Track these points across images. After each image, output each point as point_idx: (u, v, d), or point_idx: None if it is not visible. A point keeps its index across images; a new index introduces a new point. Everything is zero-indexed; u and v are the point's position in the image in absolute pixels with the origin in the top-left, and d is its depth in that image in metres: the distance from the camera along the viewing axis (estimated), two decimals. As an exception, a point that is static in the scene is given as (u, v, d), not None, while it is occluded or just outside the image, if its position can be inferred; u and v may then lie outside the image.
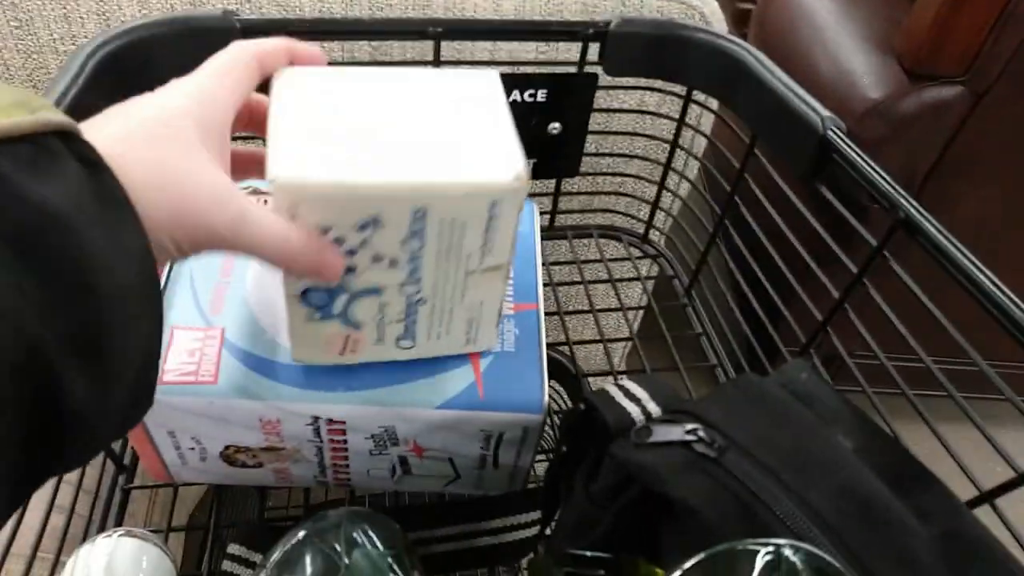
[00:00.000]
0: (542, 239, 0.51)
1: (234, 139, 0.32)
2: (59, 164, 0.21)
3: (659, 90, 0.61)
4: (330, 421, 0.41)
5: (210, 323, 0.42)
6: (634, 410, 0.34)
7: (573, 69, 0.56)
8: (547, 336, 0.45)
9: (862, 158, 0.41)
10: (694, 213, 0.66)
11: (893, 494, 0.28)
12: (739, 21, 1.38)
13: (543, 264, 0.51)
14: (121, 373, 0.23)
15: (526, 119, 0.57)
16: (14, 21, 0.60)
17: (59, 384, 0.21)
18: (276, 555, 0.36)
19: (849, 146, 0.42)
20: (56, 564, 0.45)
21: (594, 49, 0.56)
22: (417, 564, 0.39)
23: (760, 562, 0.24)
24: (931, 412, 0.38)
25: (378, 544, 0.37)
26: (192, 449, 0.44)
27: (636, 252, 0.71)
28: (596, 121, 0.60)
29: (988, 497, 0.34)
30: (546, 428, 0.44)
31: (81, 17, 0.61)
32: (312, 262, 0.31)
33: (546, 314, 0.46)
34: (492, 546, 0.48)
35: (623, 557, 0.32)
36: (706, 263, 0.63)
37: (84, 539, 0.41)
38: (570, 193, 0.71)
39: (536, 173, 0.61)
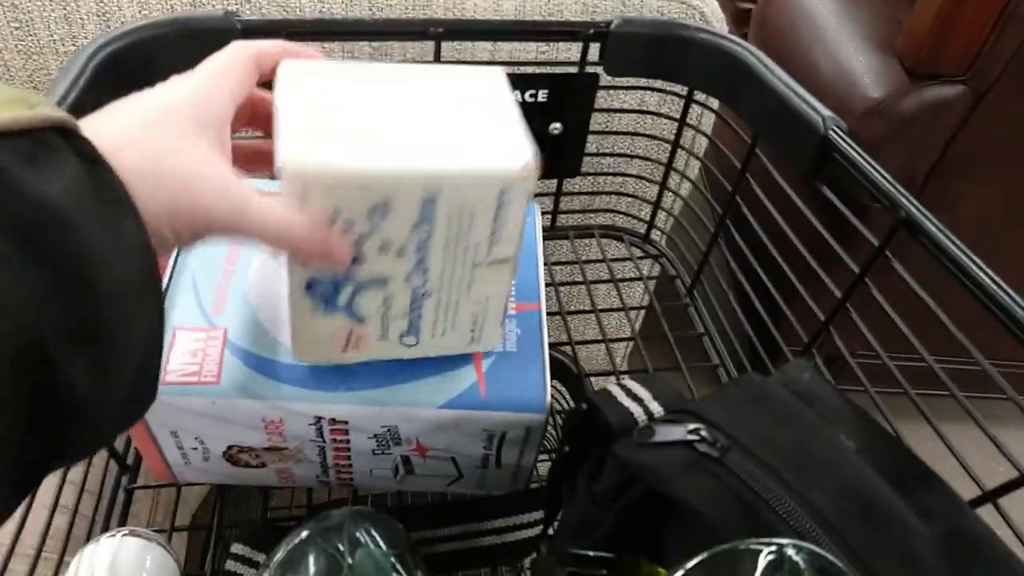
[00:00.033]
0: (544, 239, 0.51)
1: (238, 137, 0.32)
2: (58, 159, 0.22)
3: (660, 90, 0.61)
4: (333, 421, 0.41)
5: (212, 323, 0.42)
6: (636, 410, 0.34)
7: (573, 69, 0.56)
8: (549, 336, 0.45)
9: (863, 158, 0.41)
10: (695, 213, 0.66)
11: (895, 494, 0.28)
12: (739, 21, 1.38)
13: (545, 264, 0.51)
14: (121, 367, 0.24)
15: (527, 119, 0.57)
16: (14, 22, 0.60)
17: (59, 377, 0.21)
18: (280, 555, 0.37)
19: (850, 146, 0.42)
20: (60, 564, 0.45)
21: (595, 49, 0.56)
22: (420, 564, 0.39)
23: (762, 562, 0.24)
24: (933, 412, 0.38)
25: (381, 544, 0.37)
26: (195, 449, 0.44)
27: (638, 252, 0.71)
28: (597, 121, 0.60)
29: (991, 497, 0.34)
30: (548, 428, 0.44)
31: (81, 18, 0.61)
32: (319, 247, 0.31)
33: (548, 314, 0.46)
34: (495, 546, 0.48)
35: (625, 557, 0.32)
36: (708, 263, 0.63)
37: (88, 539, 0.41)
38: (571, 193, 0.71)
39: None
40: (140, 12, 0.61)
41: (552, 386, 0.43)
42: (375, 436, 0.43)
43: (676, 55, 0.55)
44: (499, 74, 0.37)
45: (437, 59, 0.54)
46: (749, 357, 0.57)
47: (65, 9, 0.60)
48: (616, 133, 0.68)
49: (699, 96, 0.61)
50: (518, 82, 0.55)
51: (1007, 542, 0.28)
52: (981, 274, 0.34)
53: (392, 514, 0.40)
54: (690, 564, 0.25)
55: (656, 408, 0.34)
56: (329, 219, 0.31)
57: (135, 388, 0.25)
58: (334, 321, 0.36)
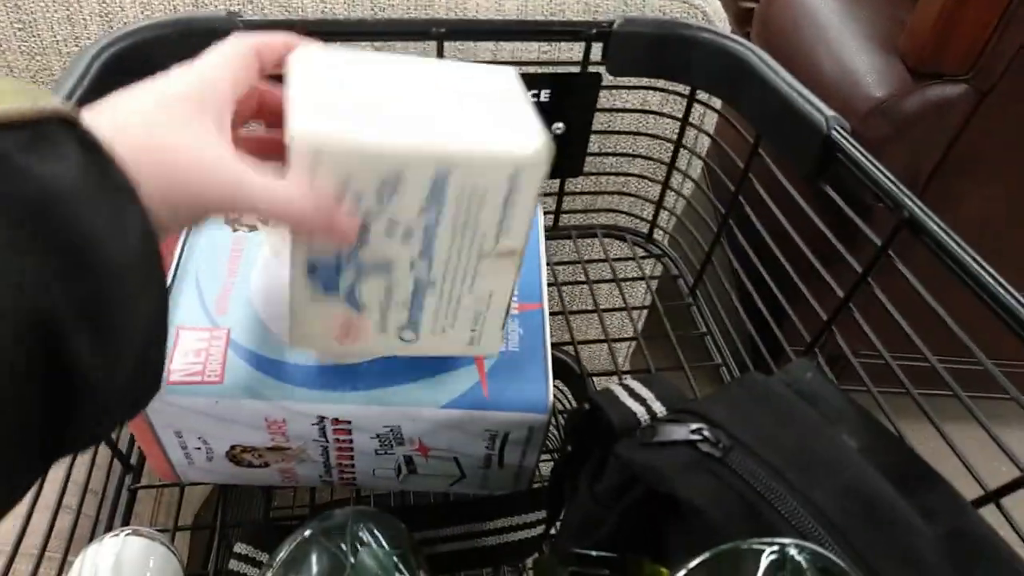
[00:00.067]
0: (546, 239, 0.51)
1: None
2: (60, 147, 0.22)
3: (662, 90, 0.61)
4: (336, 421, 0.41)
5: (216, 323, 0.42)
6: (639, 409, 0.34)
7: (575, 69, 0.56)
8: (551, 336, 0.45)
9: (866, 157, 0.41)
10: (698, 213, 0.66)
11: (898, 493, 0.28)
12: (742, 20, 1.38)
13: (547, 264, 0.51)
14: (124, 349, 0.24)
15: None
16: (17, 23, 0.60)
17: (66, 357, 0.22)
18: (282, 554, 0.37)
19: (853, 145, 0.42)
20: (63, 564, 0.45)
21: (597, 49, 0.56)
22: (423, 563, 0.39)
23: (765, 561, 0.24)
24: (935, 411, 0.38)
25: (384, 543, 0.37)
26: (198, 449, 0.44)
27: (640, 252, 0.71)
28: (599, 121, 0.60)
29: (993, 496, 0.34)
30: (551, 428, 0.44)
31: (84, 19, 0.61)
32: (324, 221, 0.31)
33: (550, 314, 0.46)
34: (497, 546, 0.48)
35: (628, 557, 0.32)
36: (710, 262, 0.63)
37: (91, 539, 0.41)
38: (574, 193, 0.71)
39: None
40: (143, 12, 0.61)
41: (554, 386, 0.43)
42: (378, 436, 0.43)
43: (679, 55, 0.55)
44: (511, 71, 0.37)
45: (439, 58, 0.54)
46: (751, 357, 0.57)
47: (68, 10, 0.60)
48: (618, 133, 0.68)
49: (701, 96, 0.61)
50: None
51: (1010, 542, 0.28)
52: (984, 274, 0.34)
53: (395, 514, 0.40)
54: (692, 564, 0.25)
55: (658, 408, 0.34)
56: (337, 194, 0.31)
57: (139, 373, 0.26)
58: (333, 308, 0.36)
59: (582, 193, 0.72)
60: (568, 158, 0.62)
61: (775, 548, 0.24)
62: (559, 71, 0.57)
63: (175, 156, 0.27)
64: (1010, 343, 0.33)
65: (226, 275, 0.44)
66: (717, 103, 0.60)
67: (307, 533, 0.37)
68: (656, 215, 0.70)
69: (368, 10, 0.63)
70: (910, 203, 0.38)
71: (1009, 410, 0.41)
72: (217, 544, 0.51)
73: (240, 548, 0.44)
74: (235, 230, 0.47)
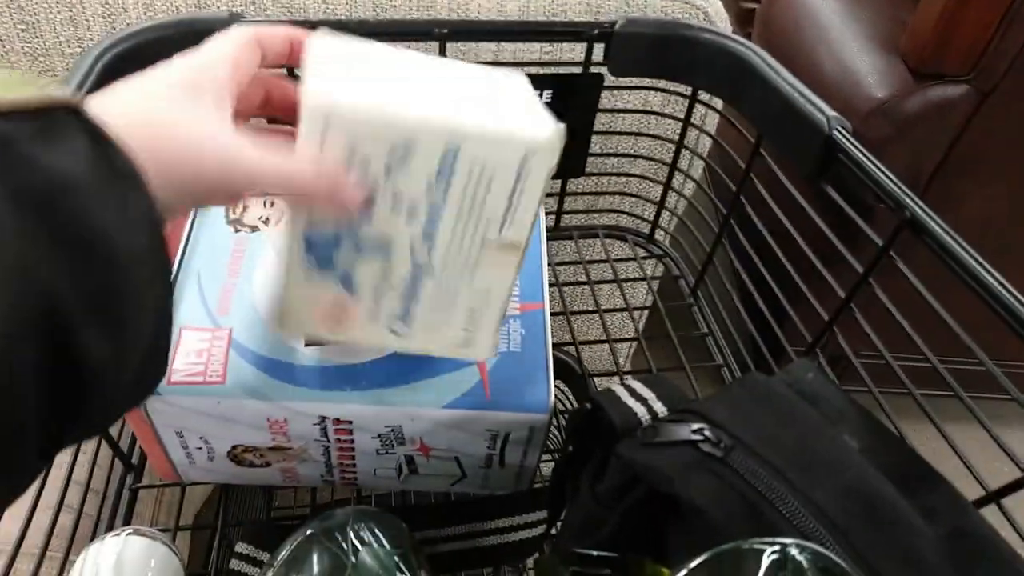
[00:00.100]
0: (548, 239, 0.51)
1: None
2: (67, 137, 0.22)
3: (664, 90, 0.61)
4: (337, 421, 0.42)
5: (218, 324, 0.42)
6: (640, 410, 0.34)
7: (577, 70, 0.57)
8: (553, 336, 0.45)
9: (868, 158, 0.41)
10: (699, 213, 0.66)
11: (899, 493, 0.28)
12: (743, 21, 1.38)
13: (548, 264, 0.52)
14: (133, 338, 0.24)
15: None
16: (20, 24, 0.60)
17: (75, 345, 0.22)
18: (284, 553, 0.37)
19: (855, 146, 0.42)
20: (65, 563, 0.46)
21: (599, 49, 0.56)
22: (424, 563, 0.39)
23: (766, 561, 0.24)
24: (936, 412, 0.38)
25: (385, 543, 0.37)
26: (200, 449, 0.44)
27: (642, 252, 0.71)
28: (601, 121, 0.60)
29: (994, 497, 0.34)
30: (552, 428, 0.44)
31: (87, 20, 0.61)
32: (328, 187, 0.31)
33: (552, 314, 0.46)
34: (498, 545, 0.48)
35: (629, 557, 0.32)
36: (712, 263, 0.63)
37: (93, 538, 0.41)
38: (575, 193, 0.71)
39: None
40: (145, 14, 0.61)
41: (555, 386, 0.43)
42: (379, 436, 0.43)
43: (680, 55, 0.55)
44: (521, 75, 0.37)
45: (441, 59, 0.54)
46: (753, 357, 0.57)
47: (71, 11, 0.60)
48: (620, 133, 0.68)
49: (703, 96, 0.61)
50: (522, 82, 0.55)
51: (1011, 542, 0.28)
52: (986, 274, 0.34)
53: (396, 513, 0.41)
54: (693, 563, 0.25)
55: (660, 408, 0.34)
56: (345, 162, 0.31)
57: (146, 362, 0.26)
58: (324, 289, 0.35)
59: (583, 193, 0.72)
60: (570, 158, 0.62)
61: (776, 548, 0.24)
62: (561, 71, 0.57)
63: (173, 131, 0.27)
64: (1012, 343, 0.33)
65: (228, 276, 0.44)
66: (718, 103, 0.60)
67: (308, 532, 0.37)
68: (657, 215, 0.70)
69: (370, 10, 0.63)
70: (912, 203, 0.38)
71: (1010, 410, 0.40)
72: (218, 544, 0.51)
73: (241, 547, 0.44)
74: (237, 231, 0.47)
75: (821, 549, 0.24)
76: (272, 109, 0.36)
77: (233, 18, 0.49)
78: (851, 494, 0.28)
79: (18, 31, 0.60)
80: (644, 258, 0.72)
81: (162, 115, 0.28)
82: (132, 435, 0.52)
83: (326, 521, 0.38)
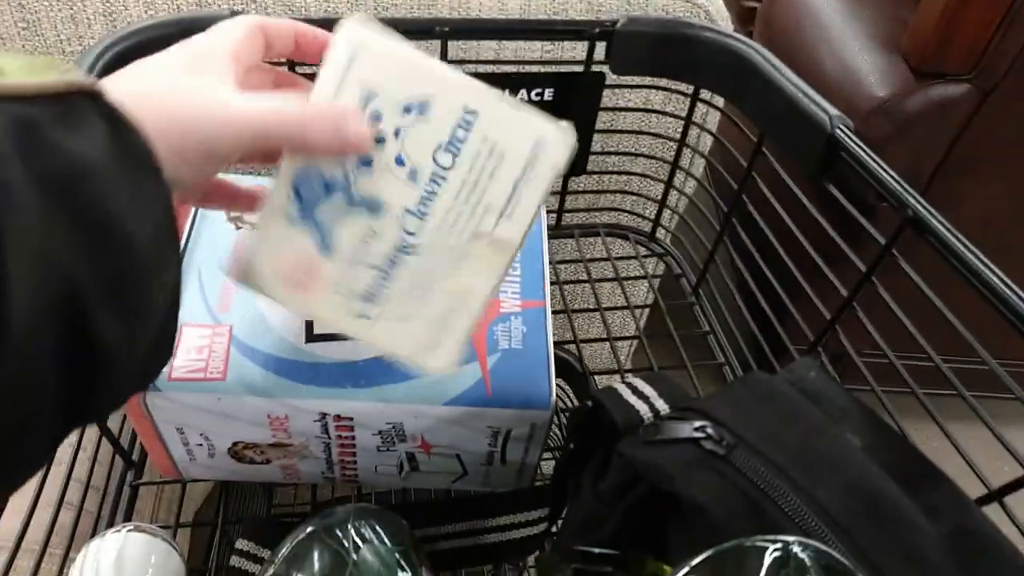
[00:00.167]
0: (549, 237, 0.51)
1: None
2: (87, 121, 0.23)
3: (665, 88, 0.61)
4: (338, 417, 0.41)
5: (218, 320, 0.42)
6: (642, 407, 0.34)
7: (578, 68, 0.56)
8: (553, 334, 0.45)
9: (870, 156, 0.41)
10: (701, 211, 0.66)
11: (902, 492, 0.28)
12: (744, 19, 1.37)
13: (550, 262, 0.51)
14: (146, 322, 0.25)
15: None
16: (21, 22, 0.60)
17: (92, 329, 0.22)
18: (284, 550, 0.37)
19: (857, 144, 0.42)
20: (65, 560, 0.46)
21: (600, 48, 0.56)
22: (424, 560, 0.39)
23: (768, 559, 0.24)
24: (938, 411, 0.38)
25: (386, 540, 0.37)
26: (200, 445, 0.44)
27: (643, 250, 0.71)
28: (602, 120, 0.60)
29: (997, 495, 0.34)
30: (552, 426, 0.44)
31: (88, 18, 0.61)
32: (333, 122, 0.30)
33: (553, 312, 0.46)
34: (499, 543, 0.48)
35: (631, 554, 0.32)
36: (713, 261, 0.63)
37: (93, 535, 0.41)
38: (577, 192, 0.71)
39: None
40: (146, 12, 0.61)
41: (556, 384, 0.43)
42: (380, 433, 0.43)
43: (682, 54, 0.55)
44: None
45: (444, 58, 0.54)
46: (754, 356, 0.57)
47: (72, 9, 0.60)
48: (621, 132, 0.68)
49: (704, 94, 0.61)
50: (524, 81, 0.55)
51: (1013, 541, 0.28)
52: (988, 273, 0.34)
53: (396, 511, 0.40)
54: (695, 561, 0.25)
55: (662, 406, 0.34)
56: (361, 104, 0.30)
57: (154, 347, 0.26)
58: (299, 243, 0.32)
59: (585, 192, 0.72)
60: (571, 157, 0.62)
61: (779, 546, 0.24)
62: (562, 70, 0.57)
63: (175, 99, 0.27)
64: (1014, 342, 0.33)
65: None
66: (720, 102, 0.60)
67: (309, 529, 0.37)
68: (659, 214, 0.70)
69: (371, 9, 0.63)
70: (914, 202, 0.38)
71: (1011, 409, 0.40)
72: (219, 540, 0.51)
73: (242, 544, 0.44)
74: (238, 227, 0.47)
75: (823, 547, 0.24)
76: None
77: (234, 16, 0.49)
78: (853, 492, 0.28)
79: (19, 29, 0.60)
80: (645, 256, 0.72)
81: (164, 87, 0.28)
82: (132, 432, 0.52)
83: (327, 518, 0.38)
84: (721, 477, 0.29)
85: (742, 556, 0.24)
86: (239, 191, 0.37)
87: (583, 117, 0.59)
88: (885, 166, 0.41)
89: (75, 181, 0.22)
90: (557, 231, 0.70)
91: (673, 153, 0.65)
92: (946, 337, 0.37)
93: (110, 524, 0.48)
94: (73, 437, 0.49)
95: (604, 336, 0.61)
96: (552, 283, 0.49)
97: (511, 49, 0.65)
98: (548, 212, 0.67)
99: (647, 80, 0.59)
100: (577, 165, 0.63)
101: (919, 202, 0.38)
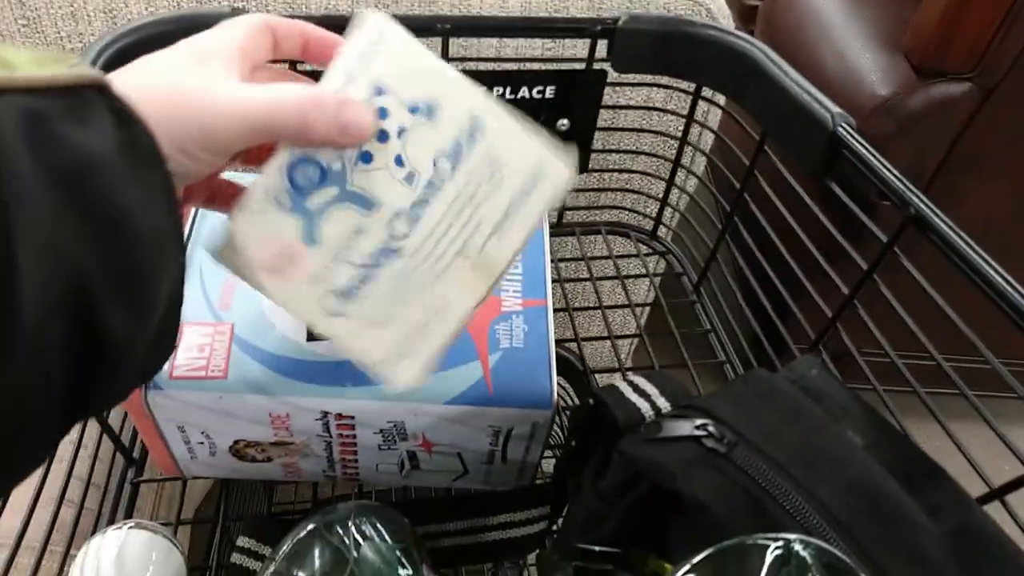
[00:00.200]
0: (550, 236, 0.51)
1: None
2: (95, 114, 0.23)
3: (666, 86, 0.61)
4: (339, 416, 0.41)
5: (220, 319, 0.42)
6: (643, 405, 0.34)
7: (579, 66, 0.56)
8: (554, 332, 0.45)
9: (873, 154, 0.41)
10: (702, 209, 0.66)
11: (903, 490, 0.28)
12: (745, 18, 1.37)
13: (551, 260, 0.51)
14: (151, 315, 0.25)
15: (534, 115, 0.57)
16: (22, 19, 0.60)
17: (100, 321, 0.22)
18: (285, 547, 0.37)
19: (859, 142, 0.42)
20: (66, 557, 0.46)
21: (602, 45, 0.56)
22: (425, 557, 0.39)
23: (769, 557, 0.24)
24: (939, 410, 0.38)
25: (387, 537, 0.37)
26: (201, 444, 0.44)
27: (644, 248, 0.71)
28: (603, 117, 0.60)
29: (998, 494, 0.34)
30: (553, 424, 0.44)
31: (88, 15, 0.61)
32: (333, 108, 0.29)
33: (554, 311, 0.46)
34: (499, 541, 0.48)
35: (633, 552, 0.32)
36: (715, 259, 0.63)
37: (94, 532, 0.41)
38: (578, 190, 0.71)
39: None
40: (146, 9, 0.61)
41: (557, 383, 0.43)
42: (381, 431, 0.43)
43: (684, 52, 0.55)
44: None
45: (445, 55, 0.54)
46: (755, 354, 0.57)
47: (72, 6, 0.60)
48: (623, 130, 0.68)
49: (706, 92, 0.61)
50: (526, 78, 0.55)
51: (1015, 540, 0.28)
52: (991, 271, 0.34)
53: (397, 508, 0.40)
54: (697, 559, 0.25)
55: (663, 404, 0.34)
56: (370, 95, 0.30)
57: (158, 340, 0.26)
58: (283, 228, 0.32)
59: (586, 190, 0.72)
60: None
61: (780, 544, 0.24)
62: (563, 68, 0.57)
63: (180, 91, 0.27)
64: (1016, 341, 0.33)
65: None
66: (721, 99, 0.60)
67: (310, 527, 0.37)
68: (660, 212, 0.70)
69: (372, 6, 0.63)
70: (917, 200, 0.38)
71: (1013, 408, 0.40)
72: (219, 538, 0.51)
73: (243, 541, 0.44)
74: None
75: (825, 545, 0.24)
76: None
77: (235, 13, 0.49)
78: (855, 490, 0.28)
79: (19, 26, 0.60)
80: (646, 255, 0.71)
81: (168, 81, 0.28)
82: (133, 429, 0.52)
83: (328, 515, 0.38)
84: (722, 475, 0.29)
85: (743, 554, 0.24)
86: (243, 191, 0.37)
87: (584, 115, 0.59)
88: (887, 164, 0.40)
89: (84, 175, 0.22)
90: (558, 229, 0.70)
91: (675, 151, 0.65)
92: (948, 336, 0.37)
93: (111, 521, 0.48)
94: (74, 434, 0.49)
95: (605, 334, 0.61)
96: (553, 281, 0.49)
97: (512, 47, 0.65)
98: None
99: (648, 78, 0.59)
100: (578, 163, 0.63)
101: (921, 200, 0.38)
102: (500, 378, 0.41)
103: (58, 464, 0.44)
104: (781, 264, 0.51)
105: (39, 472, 0.45)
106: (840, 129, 0.43)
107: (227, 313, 0.42)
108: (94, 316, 0.22)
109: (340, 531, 0.37)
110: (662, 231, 0.71)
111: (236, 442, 0.44)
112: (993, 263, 0.34)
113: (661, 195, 0.68)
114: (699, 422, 0.31)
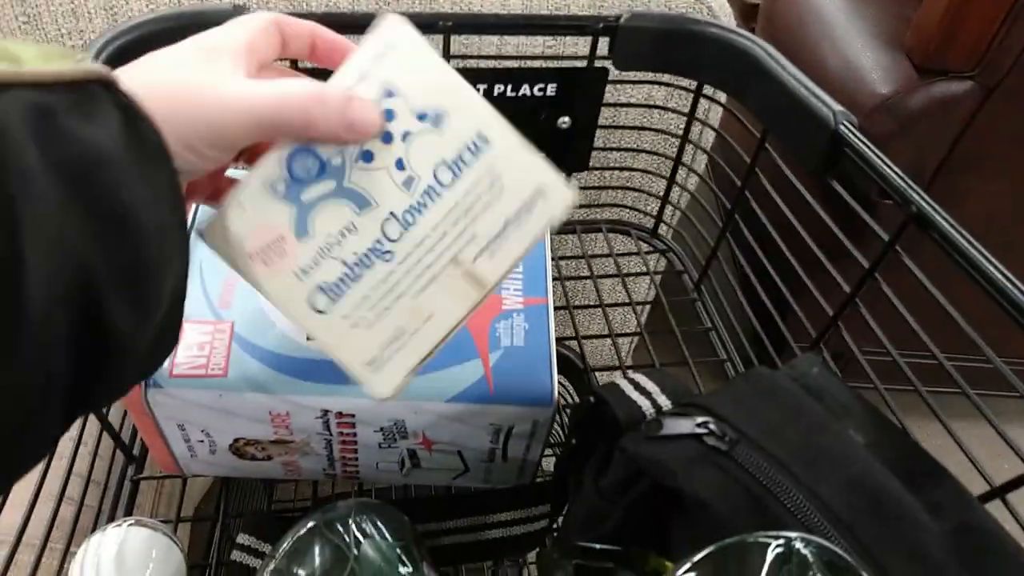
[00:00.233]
0: (551, 234, 0.51)
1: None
2: (102, 110, 0.23)
3: (667, 84, 0.61)
4: (339, 414, 0.41)
5: (220, 317, 0.42)
6: (644, 403, 0.34)
7: (581, 63, 0.56)
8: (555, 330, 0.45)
9: (875, 153, 0.41)
10: (703, 207, 0.66)
11: (905, 489, 0.28)
12: (746, 16, 1.37)
13: (551, 259, 0.51)
14: (155, 310, 0.25)
15: (535, 113, 0.57)
16: (22, 16, 0.60)
17: (104, 316, 0.22)
18: (286, 545, 0.37)
19: (861, 141, 0.42)
20: (66, 554, 0.46)
21: (603, 43, 0.55)
22: (425, 555, 0.39)
23: (771, 555, 0.24)
24: (940, 408, 0.38)
25: (387, 535, 0.37)
26: (201, 442, 0.44)
27: (645, 246, 0.71)
28: (604, 115, 0.60)
29: (999, 492, 0.34)
30: (554, 422, 0.44)
31: (89, 12, 0.61)
32: (338, 105, 0.29)
33: (554, 309, 0.46)
34: (499, 539, 0.48)
35: (633, 550, 0.32)
36: (715, 258, 0.63)
37: (94, 529, 0.41)
38: (579, 188, 0.71)
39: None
40: (147, 6, 0.61)
41: (558, 380, 0.43)
42: (382, 429, 0.43)
43: (685, 50, 0.55)
44: None
45: (446, 53, 0.54)
46: (756, 352, 0.57)
47: (73, 3, 0.60)
48: (624, 127, 0.68)
49: (707, 90, 0.60)
50: (527, 76, 0.55)
51: (1016, 538, 0.28)
52: (992, 270, 0.34)
53: (397, 506, 0.40)
54: (698, 557, 0.25)
55: (664, 401, 0.34)
56: (379, 97, 0.30)
57: (161, 334, 0.26)
58: (275, 218, 0.31)
59: (587, 188, 0.72)
60: (574, 152, 0.61)
61: (781, 542, 0.24)
62: (564, 66, 0.57)
63: (187, 87, 0.27)
64: (1017, 339, 0.33)
65: (230, 269, 0.44)
66: (722, 97, 0.60)
67: (310, 524, 0.37)
68: (661, 210, 0.70)
69: (374, 4, 0.62)
70: (918, 198, 0.38)
71: (1014, 407, 0.41)
72: (219, 535, 0.51)
73: (243, 539, 0.44)
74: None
75: (826, 543, 0.24)
76: None
77: (236, 10, 0.49)
78: (856, 489, 0.28)
79: (20, 23, 0.60)
80: (647, 253, 0.71)
81: (174, 76, 0.28)
82: (133, 426, 0.52)
83: (328, 513, 0.38)
84: (723, 473, 0.29)
85: (744, 552, 0.24)
86: None
87: (586, 112, 0.59)
88: (889, 162, 0.40)
89: (90, 170, 0.22)
90: (559, 227, 0.70)
91: (675, 149, 0.65)
92: (949, 334, 0.37)
93: (111, 519, 0.48)
94: (74, 431, 0.49)
95: (606, 332, 0.61)
96: (554, 279, 0.49)
97: (513, 44, 0.65)
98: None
99: (650, 75, 0.58)
100: (580, 161, 0.63)
101: (923, 198, 0.38)
102: (501, 376, 0.41)
103: (58, 461, 0.44)
104: (782, 262, 0.51)
105: (39, 469, 0.45)
106: (842, 127, 0.43)
107: (227, 311, 0.42)
108: (99, 312, 0.22)
109: (340, 529, 0.37)
110: (663, 229, 0.71)
111: (236, 440, 0.44)
112: (995, 261, 0.34)
113: (662, 193, 0.68)
114: (700, 420, 0.31)
